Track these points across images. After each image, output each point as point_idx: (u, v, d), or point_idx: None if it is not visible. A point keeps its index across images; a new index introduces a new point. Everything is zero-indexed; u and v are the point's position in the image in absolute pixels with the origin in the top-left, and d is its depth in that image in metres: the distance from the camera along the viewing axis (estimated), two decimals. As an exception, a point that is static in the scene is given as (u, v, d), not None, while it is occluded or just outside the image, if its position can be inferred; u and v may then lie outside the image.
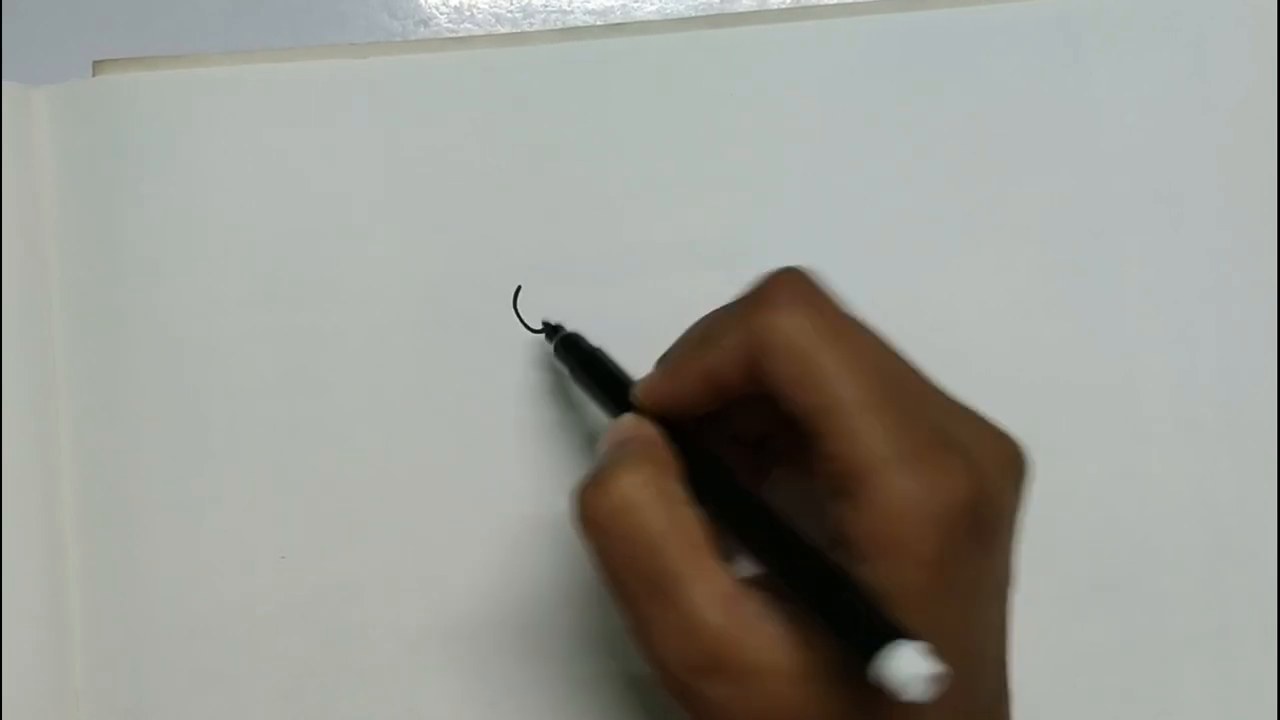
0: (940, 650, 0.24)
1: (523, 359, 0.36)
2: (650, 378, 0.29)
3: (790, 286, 0.27)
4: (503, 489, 0.35)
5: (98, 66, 0.36)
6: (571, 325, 0.34)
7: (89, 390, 0.35)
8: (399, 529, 0.35)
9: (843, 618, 0.24)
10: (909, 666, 0.22)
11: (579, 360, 0.33)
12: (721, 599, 0.25)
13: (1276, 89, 0.36)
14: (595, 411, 0.35)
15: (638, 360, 0.31)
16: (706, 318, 0.28)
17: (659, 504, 0.26)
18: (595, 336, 0.35)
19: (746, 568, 0.27)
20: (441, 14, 0.39)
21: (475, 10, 0.39)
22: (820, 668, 0.25)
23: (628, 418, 0.29)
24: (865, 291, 0.35)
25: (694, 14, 0.38)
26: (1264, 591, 0.36)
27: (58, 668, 0.35)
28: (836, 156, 0.36)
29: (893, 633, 0.23)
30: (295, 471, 0.35)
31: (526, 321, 0.35)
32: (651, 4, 0.39)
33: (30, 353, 0.35)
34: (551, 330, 0.34)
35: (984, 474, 0.25)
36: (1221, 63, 0.37)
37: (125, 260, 0.36)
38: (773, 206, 0.36)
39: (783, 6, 0.38)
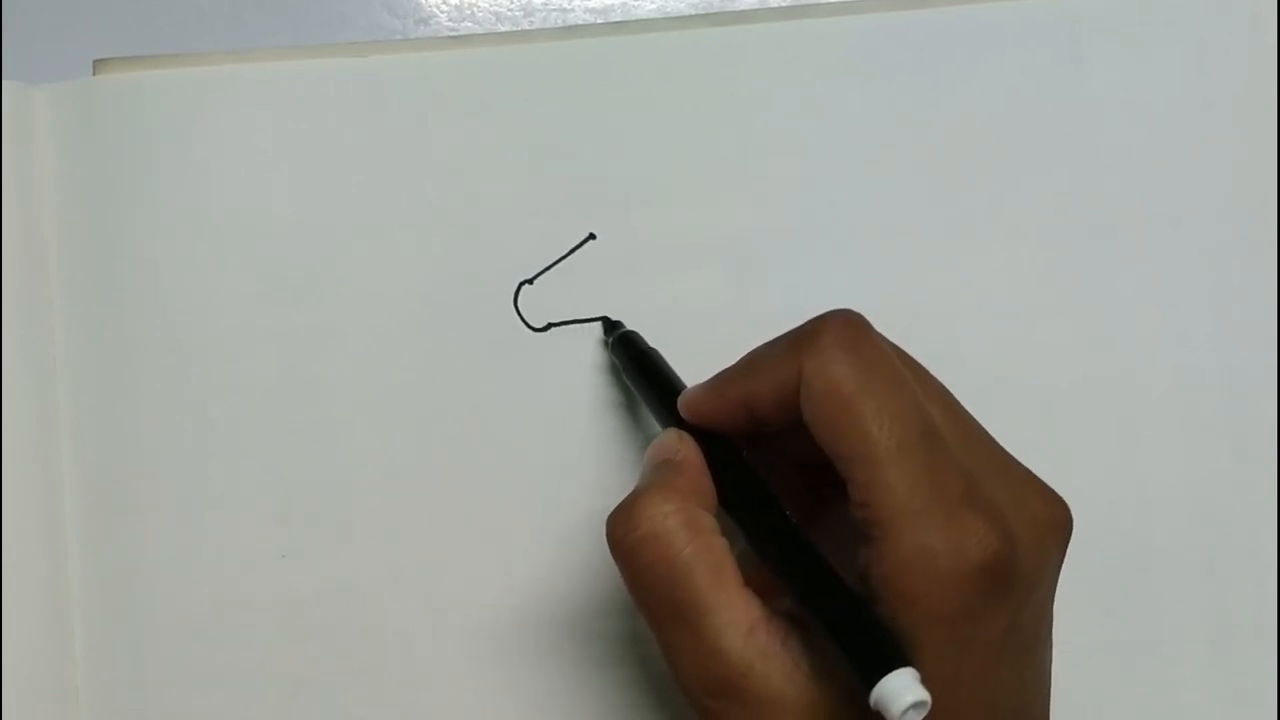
0: (956, 705, 0.24)
1: (522, 359, 0.36)
2: (694, 391, 0.30)
3: (838, 330, 0.27)
4: (502, 489, 0.35)
5: (98, 66, 0.36)
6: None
7: (89, 390, 0.35)
8: (399, 529, 0.35)
9: (849, 639, 0.24)
10: (899, 692, 0.23)
11: (632, 358, 0.33)
12: (742, 628, 0.26)
13: (1276, 89, 0.36)
14: (596, 411, 0.35)
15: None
16: (757, 348, 0.28)
17: (684, 533, 0.27)
18: (595, 334, 0.35)
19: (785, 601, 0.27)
20: (442, 12, 0.39)
21: (475, 9, 0.39)
22: (833, 703, 0.25)
23: (672, 434, 0.30)
24: (865, 291, 0.35)
25: (694, 12, 0.38)
26: (1264, 591, 0.36)
27: (58, 668, 0.35)
28: (836, 155, 0.36)
29: (897, 659, 0.23)
30: (295, 471, 0.35)
31: (527, 320, 0.35)
32: (652, 2, 0.38)
33: (30, 353, 0.35)
34: (610, 325, 0.35)
35: (1011, 533, 0.25)
36: (1221, 63, 0.37)
37: (125, 260, 0.36)
38: (772, 206, 0.36)
39: (783, 5, 0.38)
